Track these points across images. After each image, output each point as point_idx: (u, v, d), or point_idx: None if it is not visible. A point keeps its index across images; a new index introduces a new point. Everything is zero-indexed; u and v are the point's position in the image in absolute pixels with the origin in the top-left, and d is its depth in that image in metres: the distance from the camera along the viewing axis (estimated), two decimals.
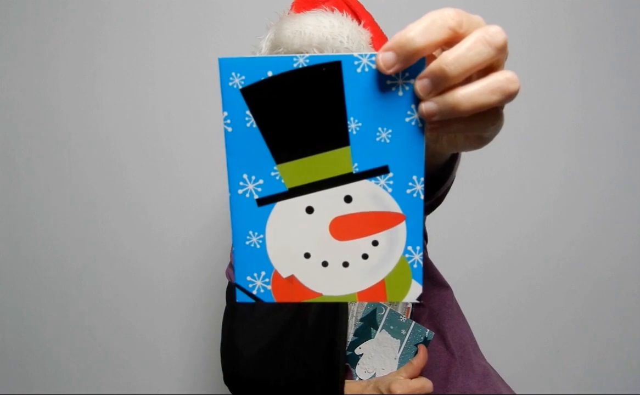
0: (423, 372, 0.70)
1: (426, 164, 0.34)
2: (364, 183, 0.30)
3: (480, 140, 0.32)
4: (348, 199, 0.31)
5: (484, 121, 0.30)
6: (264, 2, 1.16)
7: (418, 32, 0.27)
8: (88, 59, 1.27)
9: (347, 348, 0.73)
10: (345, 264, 0.32)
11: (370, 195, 0.30)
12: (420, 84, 0.28)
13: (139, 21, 1.26)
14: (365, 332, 0.72)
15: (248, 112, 0.30)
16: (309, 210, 0.31)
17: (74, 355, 1.35)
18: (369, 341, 0.71)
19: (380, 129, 0.30)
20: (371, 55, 0.29)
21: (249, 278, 0.32)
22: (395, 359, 0.70)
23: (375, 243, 0.31)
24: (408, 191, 0.30)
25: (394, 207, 0.30)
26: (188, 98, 1.27)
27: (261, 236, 0.32)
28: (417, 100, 0.29)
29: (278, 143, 0.30)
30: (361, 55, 0.29)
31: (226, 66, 0.29)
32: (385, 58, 0.28)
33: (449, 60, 0.27)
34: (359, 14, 0.80)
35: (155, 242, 1.32)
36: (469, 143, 0.33)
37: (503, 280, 1.31)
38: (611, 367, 1.33)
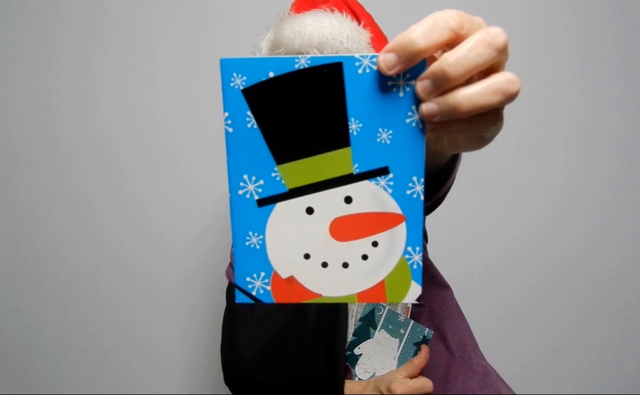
0: (423, 372, 0.70)
1: (427, 165, 0.35)
2: (364, 184, 0.30)
3: (480, 141, 0.32)
4: (348, 199, 0.31)
5: (485, 122, 0.30)
6: (264, 3, 1.16)
7: (419, 33, 0.27)
8: (88, 59, 1.27)
9: (346, 348, 0.73)
10: (345, 265, 0.32)
11: (371, 196, 0.31)
12: (421, 85, 0.28)
13: (139, 21, 1.26)
14: (364, 332, 0.72)
15: (249, 113, 0.30)
16: (309, 211, 0.31)
17: (74, 355, 1.35)
18: (368, 341, 0.72)
19: (380, 129, 0.30)
20: (372, 57, 0.29)
21: (248, 279, 0.32)
22: (394, 358, 0.70)
23: (375, 244, 0.31)
24: (408, 192, 0.30)
25: (394, 208, 0.30)
26: (188, 98, 1.27)
27: (261, 237, 0.32)
28: (418, 101, 0.29)
29: (279, 144, 0.30)
30: (362, 56, 0.29)
31: (227, 67, 0.29)
32: (386, 59, 0.28)
33: (450, 61, 0.27)
34: (358, 14, 0.80)
35: (155, 242, 1.32)
36: (469, 143, 0.33)
37: (503, 280, 1.31)
38: (611, 367, 1.33)
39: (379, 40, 0.80)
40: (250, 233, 0.32)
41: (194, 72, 1.26)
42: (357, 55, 0.29)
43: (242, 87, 0.29)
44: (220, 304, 0.88)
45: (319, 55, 0.29)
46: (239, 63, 0.29)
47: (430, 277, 0.80)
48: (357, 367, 0.72)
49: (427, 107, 0.28)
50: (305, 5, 0.80)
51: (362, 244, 0.31)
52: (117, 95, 1.27)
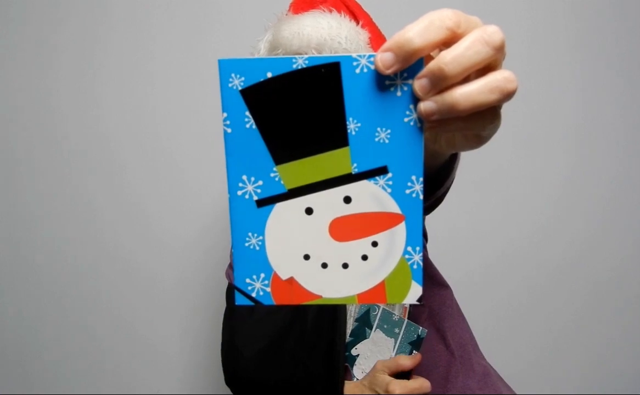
0: (423, 372, 0.70)
1: (425, 165, 0.35)
2: (363, 183, 0.30)
3: (478, 140, 0.32)
4: (347, 199, 0.31)
5: (482, 120, 0.30)
6: (262, 3, 1.16)
7: (416, 32, 0.27)
8: (88, 59, 1.28)
9: (345, 349, 0.73)
10: (345, 266, 0.32)
11: (370, 196, 0.30)
12: (419, 84, 0.29)
13: (139, 22, 1.26)
14: (361, 332, 0.72)
15: (247, 113, 0.30)
16: (309, 211, 0.31)
17: (73, 355, 1.35)
18: (365, 341, 0.72)
19: (379, 129, 0.30)
20: (370, 56, 0.29)
21: (248, 280, 0.32)
22: (390, 358, 0.70)
23: (374, 244, 0.31)
24: (407, 191, 0.30)
25: (393, 208, 0.30)
26: (188, 99, 1.27)
27: (260, 238, 0.31)
28: (416, 100, 0.29)
29: (277, 144, 0.30)
30: (360, 56, 0.29)
31: (226, 67, 0.29)
32: (384, 58, 0.28)
33: (448, 59, 0.27)
34: (357, 14, 0.80)
35: (156, 242, 1.32)
36: (467, 142, 0.33)
37: (503, 280, 1.31)
38: (611, 367, 1.34)
39: (377, 40, 0.80)
40: (250, 234, 0.31)
41: (194, 72, 1.26)
42: (354, 55, 0.29)
43: (240, 88, 0.29)
44: (220, 305, 0.88)
45: (317, 55, 0.29)
46: (237, 63, 0.29)
47: (430, 276, 0.80)
48: (355, 367, 0.72)
49: (425, 105, 0.29)
50: (304, 6, 0.81)
51: (362, 244, 0.31)
52: (117, 95, 1.27)
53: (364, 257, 0.31)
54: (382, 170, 0.30)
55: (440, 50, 0.29)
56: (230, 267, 0.88)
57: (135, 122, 1.29)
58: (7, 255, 1.33)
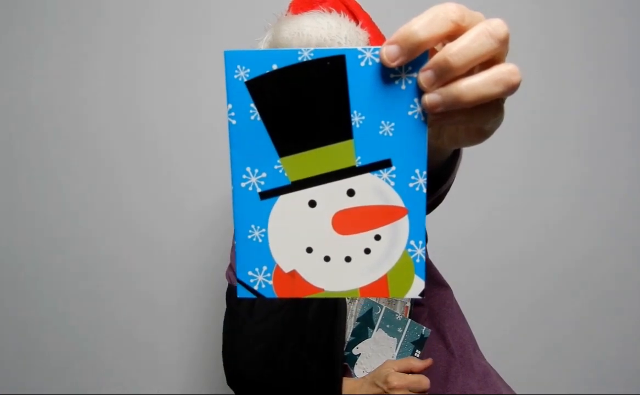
0: (423, 371, 0.70)
1: (428, 161, 0.35)
2: (367, 176, 0.30)
3: (481, 134, 0.33)
4: (351, 192, 0.31)
5: (486, 113, 0.30)
6: (261, 3, 1.17)
7: (421, 25, 0.28)
8: (82, 59, 1.27)
9: (345, 348, 0.73)
10: (348, 259, 0.32)
11: (373, 189, 0.30)
12: (423, 76, 0.29)
13: (136, 19, 1.26)
14: (362, 331, 0.72)
15: (252, 105, 0.30)
16: (312, 203, 0.31)
17: (73, 355, 1.34)
18: (366, 341, 0.72)
19: (383, 122, 0.30)
20: (375, 49, 0.29)
21: (250, 273, 0.32)
22: (392, 357, 0.70)
23: (377, 237, 0.31)
24: (411, 185, 0.30)
25: (397, 201, 0.30)
26: (190, 98, 1.27)
27: (263, 230, 0.31)
28: (420, 93, 0.29)
29: (282, 136, 0.30)
30: (365, 49, 0.29)
31: (232, 59, 0.29)
32: (389, 51, 0.28)
33: (453, 51, 0.27)
34: (356, 14, 0.80)
35: (156, 243, 1.31)
36: (470, 137, 0.34)
37: (503, 280, 1.31)
38: (611, 367, 1.34)
39: (377, 40, 0.81)
40: (253, 226, 0.31)
41: (194, 71, 1.26)
42: (359, 48, 0.29)
43: (245, 79, 0.29)
44: (220, 305, 0.88)
45: (323, 48, 0.29)
46: (243, 55, 0.29)
47: (430, 276, 0.80)
48: (356, 367, 0.72)
49: (430, 97, 0.29)
50: (303, 6, 0.81)
51: (365, 238, 0.31)
52: (115, 99, 1.27)
53: (367, 251, 0.31)
54: (385, 164, 0.30)
55: (445, 44, 0.29)
56: (231, 268, 0.87)
57: (135, 121, 1.29)
58: (6, 263, 1.33)
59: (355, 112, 0.30)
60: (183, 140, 1.29)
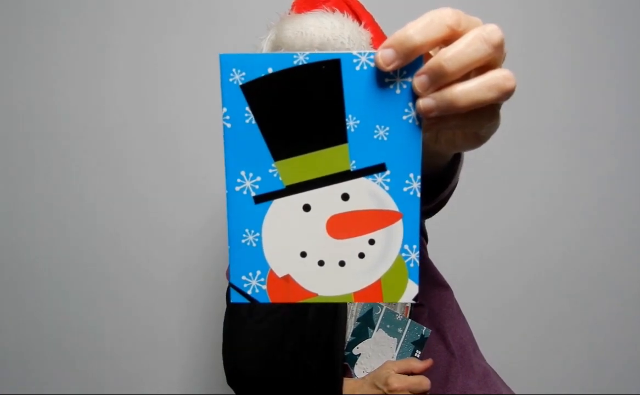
0: (423, 372, 0.70)
1: (427, 166, 0.35)
2: (361, 181, 0.30)
3: (477, 139, 0.33)
4: (345, 196, 0.31)
5: (481, 118, 0.30)
6: (265, 2, 1.17)
7: (417, 29, 0.28)
8: (93, 56, 1.28)
9: (345, 348, 0.73)
10: (342, 263, 0.32)
11: (368, 193, 0.30)
12: (418, 80, 0.29)
13: (142, 19, 1.26)
14: (363, 331, 0.72)
15: (247, 109, 0.30)
16: (306, 208, 0.31)
17: (72, 355, 1.35)
18: (367, 341, 0.72)
19: (377, 126, 0.30)
20: (370, 54, 0.29)
21: (244, 277, 0.32)
22: (392, 357, 0.70)
23: (371, 242, 0.31)
24: (405, 189, 0.30)
25: (391, 205, 0.30)
26: (191, 96, 1.28)
27: (257, 234, 0.31)
28: (415, 98, 0.29)
29: (276, 140, 0.30)
30: (360, 53, 0.29)
31: (227, 62, 0.29)
32: (384, 55, 0.28)
33: (448, 56, 0.27)
34: (359, 15, 0.80)
35: (156, 243, 1.32)
36: (467, 142, 0.33)
37: (503, 281, 1.31)
38: (611, 367, 1.34)
39: (379, 40, 0.80)
40: (247, 230, 0.31)
41: (195, 70, 1.27)
42: (354, 52, 0.29)
43: (241, 83, 0.29)
44: (220, 305, 0.88)
45: (318, 52, 0.29)
46: (238, 58, 0.29)
47: (430, 277, 0.80)
48: (356, 367, 0.72)
49: (424, 102, 0.29)
50: (306, 6, 0.81)
51: (359, 242, 0.31)
52: (120, 92, 1.28)
53: (361, 255, 0.31)
54: (380, 168, 0.30)
55: (440, 48, 0.29)
56: None
57: (134, 122, 1.30)
58: (6, 251, 1.34)
59: (350, 116, 0.29)
60: (186, 140, 1.29)
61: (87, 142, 1.30)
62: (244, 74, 0.29)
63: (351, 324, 0.73)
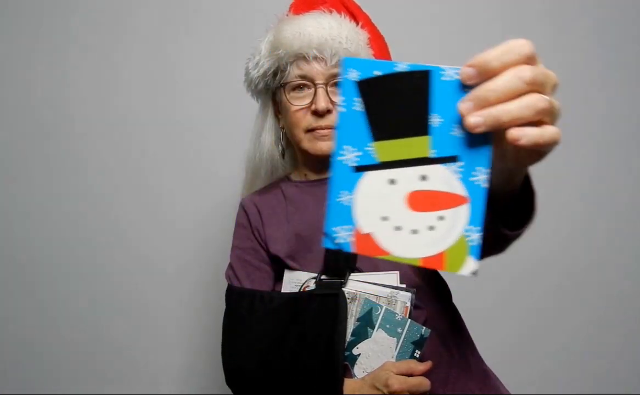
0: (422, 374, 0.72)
1: (498, 186, 0.42)
2: (438, 167, 0.38)
3: (538, 154, 0.39)
4: (424, 177, 0.38)
5: (532, 153, 0.38)
6: (262, 4, 1.22)
7: (495, 56, 0.36)
8: (104, 57, 1.32)
9: (345, 348, 0.75)
10: (414, 232, 0.39)
11: (442, 177, 0.38)
12: (463, 106, 0.36)
13: (142, 21, 1.32)
14: (362, 331, 0.75)
15: (357, 99, 0.38)
16: (392, 181, 0.38)
17: (72, 355, 1.32)
18: (366, 341, 0.74)
19: (455, 125, 0.38)
20: (455, 69, 0.37)
21: (335, 229, 0.39)
22: (392, 357, 0.73)
23: (441, 218, 0.38)
24: (473, 179, 0.38)
25: (461, 191, 0.38)
26: (189, 95, 1.33)
27: (351, 197, 0.38)
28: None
29: (376, 125, 0.38)
30: (447, 67, 0.37)
31: (347, 63, 0.38)
32: (467, 72, 0.36)
33: (489, 87, 0.35)
34: (356, 15, 0.86)
35: (156, 243, 1.32)
36: (529, 158, 0.40)
37: (503, 281, 1.34)
38: (611, 367, 1.37)
39: (376, 40, 0.87)
40: (343, 192, 0.38)
41: (196, 69, 1.33)
42: (443, 66, 0.37)
43: (356, 79, 0.37)
44: (220, 305, 0.89)
45: (416, 63, 0.37)
46: (355, 62, 0.38)
47: (431, 279, 0.83)
48: (355, 366, 0.74)
49: (472, 119, 0.35)
50: (304, 7, 0.86)
51: (431, 217, 0.38)
52: (126, 87, 1.32)
53: (431, 228, 0.38)
54: (454, 158, 0.38)
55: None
56: (231, 267, 0.89)
57: (133, 121, 1.32)
58: (5, 257, 1.31)
59: (434, 114, 0.37)
60: (187, 140, 1.32)
61: (91, 139, 1.31)
62: (358, 73, 0.37)
63: (351, 324, 0.75)
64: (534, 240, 1.34)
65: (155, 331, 1.34)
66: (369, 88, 0.37)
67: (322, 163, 0.86)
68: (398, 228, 0.39)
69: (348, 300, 0.76)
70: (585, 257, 1.38)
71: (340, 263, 0.79)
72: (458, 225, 0.38)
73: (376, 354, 0.73)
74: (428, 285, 0.81)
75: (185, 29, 1.33)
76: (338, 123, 0.38)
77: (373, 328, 0.74)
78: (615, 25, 1.39)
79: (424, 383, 0.69)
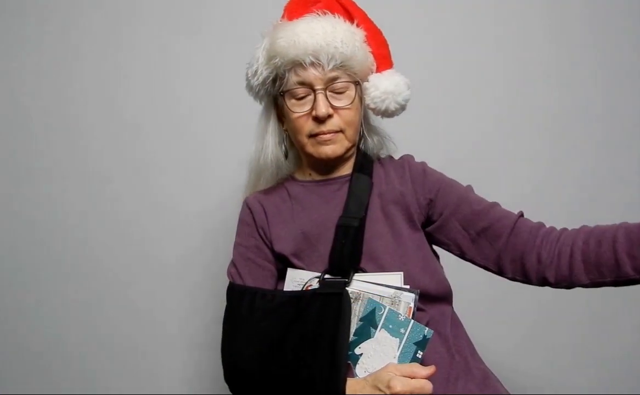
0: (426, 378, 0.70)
1: None
2: None
3: None
4: None
5: None
6: (258, 7, 1.19)
7: None
8: (108, 56, 1.31)
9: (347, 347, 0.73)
10: None
11: None
12: None
13: (121, 22, 1.31)
14: (365, 331, 0.73)
15: None
16: None
17: (72, 356, 1.34)
18: (369, 340, 0.73)
19: None
20: None
21: None
22: (394, 357, 0.71)
23: None
24: None
25: None
26: (197, 89, 1.31)
27: None
28: None
29: None
30: None
31: None
32: None
33: None
34: (351, 13, 0.82)
35: (156, 243, 1.33)
36: None
37: (503, 281, 1.30)
38: (611, 367, 1.36)
39: (374, 36, 0.83)
40: None
41: (198, 67, 1.31)
42: None
43: None
44: (220, 304, 0.89)
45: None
46: None
47: (437, 282, 0.82)
48: (357, 366, 0.73)
49: None
50: (297, 10, 0.82)
51: None
52: (131, 88, 1.31)
53: None
54: None
55: None
56: (233, 265, 0.89)
57: (135, 121, 1.31)
58: (5, 258, 1.33)
59: None
60: (188, 140, 1.31)
61: (94, 139, 1.32)
62: None
63: (354, 324, 0.74)
64: None
65: (154, 331, 1.35)
66: None
67: (327, 165, 0.86)
68: None
69: (352, 300, 0.75)
70: None
71: (345, 263, 0.77)
72: None
73: (378, 354, 0.72)
74: (431, 286, 0.79)
75: (188, 30, 1.30)
76: None
77: (376, 328, 0.73)
78: (615, 25, 1.33)
79: (426, 386, 0.67)
